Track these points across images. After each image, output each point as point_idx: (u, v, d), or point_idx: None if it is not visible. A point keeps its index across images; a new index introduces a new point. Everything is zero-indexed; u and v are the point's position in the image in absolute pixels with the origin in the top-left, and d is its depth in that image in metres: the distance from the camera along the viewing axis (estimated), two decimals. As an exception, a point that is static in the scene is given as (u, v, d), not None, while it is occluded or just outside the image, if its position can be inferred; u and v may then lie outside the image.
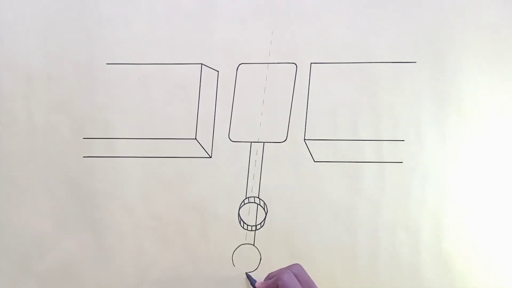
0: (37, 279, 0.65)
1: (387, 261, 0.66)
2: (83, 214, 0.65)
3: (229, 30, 0.66)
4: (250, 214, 0.66)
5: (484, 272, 0.67)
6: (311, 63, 0.66)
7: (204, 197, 0.66)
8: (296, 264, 0.58)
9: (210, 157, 0.66)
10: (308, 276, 0.57)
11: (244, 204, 0.66)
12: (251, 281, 0.64)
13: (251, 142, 0.66)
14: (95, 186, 0.65)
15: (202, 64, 0.66)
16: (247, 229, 0.66)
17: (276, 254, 0.66)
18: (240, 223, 0.66)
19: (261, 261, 0.66)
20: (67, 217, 0.65)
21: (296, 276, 0.55)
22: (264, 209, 0.66)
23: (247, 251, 0.66)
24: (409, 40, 0.66)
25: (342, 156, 0.66)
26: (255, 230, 0.66)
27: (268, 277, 0.60)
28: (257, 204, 0.66)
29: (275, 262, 0.66)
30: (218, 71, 0.66)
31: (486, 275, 0.67)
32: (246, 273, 0.66)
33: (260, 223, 0.66)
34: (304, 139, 0.66)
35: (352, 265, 0.66)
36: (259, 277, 0.65)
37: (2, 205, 0.65)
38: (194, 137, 0.66)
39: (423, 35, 0.66)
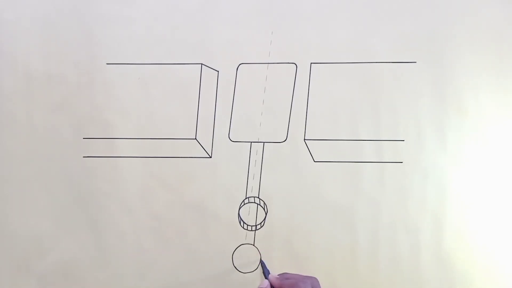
0: (37, 279, 0.65)
1: (387, 261, 0.66)
2: (83, 214, 0.65)
3: (229, 30, 0.66)
4: (250, 214, 0.66)
5: (484, 272, 0.67)
6: (311, 63, 0.66)
7: (204, 197, 0.66)
8: (313, 277, 0.57)
9: (210, 157, 0.66)
10: None
11: (244, 204, 0.66)
12: (265, 270, 0.63)
13: (251, 142, 0.66)
14: (95, 186, 0.65)
15: (202, 64, 0.66)
16: (247, 229, 0.66)
17: (276, 254, 0.66)
18: (240, 223, 0.66)
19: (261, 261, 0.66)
20: (67, 217, 0.65)
21: None
22: (264, 209, 0.66)
23: (247, 251, 0.66)
24: (409, 40, 0.66)
25: (342, 156, 0.66)
26: (255, 230, 0.66)
27: (284, 276, 0.59)
28: (257, 204, 0.66)
29: (275, 262, 0.66)
30: (218, 71, 0.66)
31: (486, 275, 0.67)
32: (260, 260, 0.65)
33: (260, 223, 0.66)
34: (304, 139, 0.66)
35: (352, 265, 0.66)
36: (259, 276, 0.65)
37: (2, 205, 0.65)
38: (194, 137, 0.66)
39: (423, 35, 0.66)
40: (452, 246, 0.66)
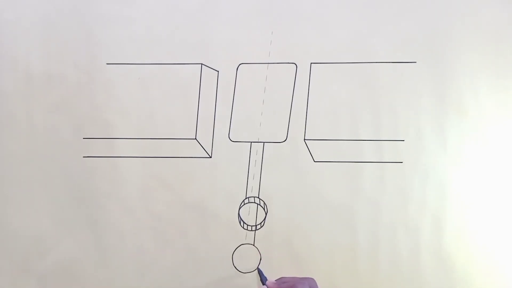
0: (37, 279, 0.65)
1: (387, 261, 0.66)
2: (83, 214, 0.65)
3: (229, 30, 0.66)
4: (250, 214, 0.66)
5: (484, 272, 0.67)
6: (311, 63, 0.66)
7: (204, 197, 0.66)
8: (311, 278, 0.58)
9: (210, 157, 0.66)
10: None
11: (244, 204, 0.66)
12: (262, 277, 0.63)
13: (251, 142, 0.66)
14: (95, 186, 0.65)
15: (202, 64, 0.66)
16: (247, 229, 0.66)
17: (276, 254, 0.66)
18: (240, 223, 0.66)
19: (261, 261, 0.66)
20: (67, 217, 0.65)
21: None
22: (264, 209, 0.66)
23: (247, 251, 0.66)
24: (409, 40, 0.66)
25: (342, 156, 0.66)
26: (255, 230, 0.66)
27: (281, 280, 0.60)
28: (257, 204, 0.66)
29: (275, 262, 0.66)
30: (218, 71, 0.66)
31: (486, 275, 0.67)
32: (258, 268, 0.65)
33: (260, 223, 0.66)
34: (304, 139, 0.66)
35: (352, 265, 0.66)
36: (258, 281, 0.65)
37: (2, 205, 0.65)
38: (194, 137, 0.66)
39: (423, 35, 0.66)
40: (452, 246, 0.66)
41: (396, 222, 0.67)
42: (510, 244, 0.67)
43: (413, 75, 0.66)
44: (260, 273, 0.64)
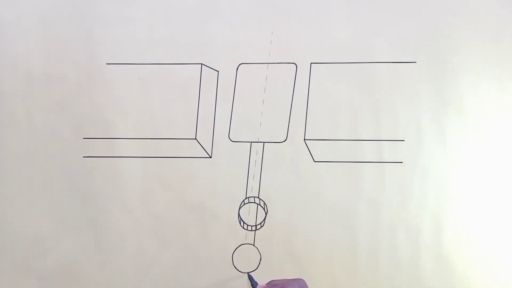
0: (37, 279, 0.65)
1: (387, 261, 0.66)
2: (83, 214, 0.65)
3: (229, 30, 0.66)
4: (250, 214, 0.66)
5: (484, 272, 0.67)
6: (311, 63, 0.66)
7: (204, 197, 0.66)
8: (300, 278, 0.58)
9: (210, 157, 0.66)
10: None
11: (244, 204, 0.66)
12: (252, 282, 0.64)
13: (251, 142, 0.66)
14: (95, 186, 0.65)
15: (202, 64, 0.66)
16: (247, 229, 0.66)
17: (276, 254, 0.66)
18: (240, 223, 0.66)
19: (261, 261, 0.66)
20: (67, 217, 0.65)
21: None
22: (264, 209, 0.66)
23: (247, 251, 0.66)
24: (409, 40, 0.66)
25: (342, 156, 0.66)
26: (255, 230, 0.66)
27: (271, 284, 0.60)
28: (257, 204, 0.66)
29: (275, 262, 0.66)
30: (218, 71, 0.66)
31: (486, 275, 0.67)
32: (248, 273, 0.66)
33: (260, 223, 0.66)
34: (304, 139, 0.66)
35: (352, 265, 0.66)
36: (259, 276, 0.65)
37: (2, 205, 0.65)
38: (194, 137, 0.66)
39: (423, 35, 0.66)
40: (452, 246, 0.66)
41: (396, 222, 0.67)
42: (510, 244, 0.67)
43: (413, 75, 0.66)
44: (250, 278, 0.65)
